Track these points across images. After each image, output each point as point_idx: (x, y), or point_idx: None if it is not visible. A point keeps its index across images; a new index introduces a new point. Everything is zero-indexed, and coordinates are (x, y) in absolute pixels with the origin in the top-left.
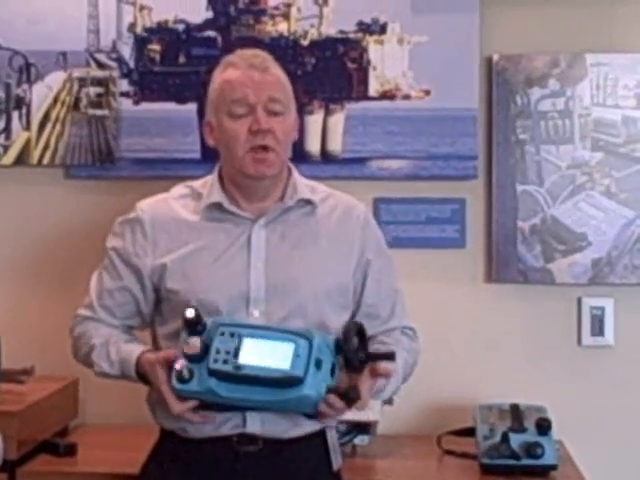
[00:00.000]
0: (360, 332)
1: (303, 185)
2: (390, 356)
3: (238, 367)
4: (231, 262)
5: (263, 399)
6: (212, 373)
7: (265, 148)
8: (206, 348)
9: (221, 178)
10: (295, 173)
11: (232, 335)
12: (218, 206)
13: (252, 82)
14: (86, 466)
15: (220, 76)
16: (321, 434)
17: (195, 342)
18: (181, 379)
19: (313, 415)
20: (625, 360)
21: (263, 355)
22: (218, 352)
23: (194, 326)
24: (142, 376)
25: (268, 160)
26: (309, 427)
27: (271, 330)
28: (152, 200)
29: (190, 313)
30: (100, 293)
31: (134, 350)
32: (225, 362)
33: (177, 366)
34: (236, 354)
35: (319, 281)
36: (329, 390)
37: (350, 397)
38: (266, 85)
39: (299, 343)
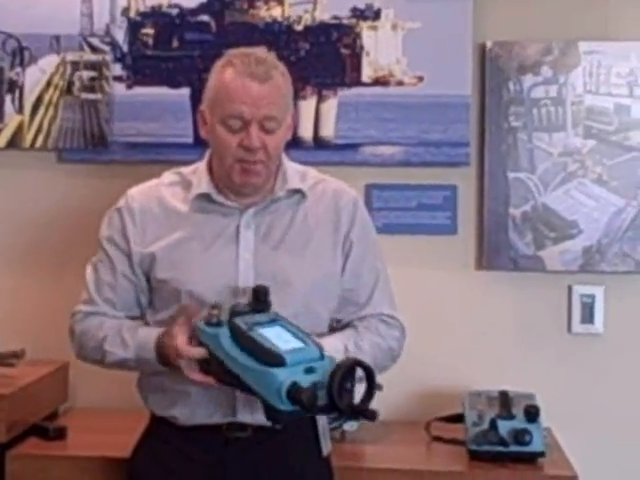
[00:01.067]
0: (350, 373)
1: (294, 173)
2: (371, 416)
3: (250, 328)
4: (219, 253)
5: (244, 363)
6: (230, 325)
7: (255, 161)
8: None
9: (210, 167)
10: (285, 161)
11: (270, 320)
12: (206, 197)
13: (250, 97)
14: (76, 450)
15: (220, 75)
16: (310, 420)
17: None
18: (209, 322)
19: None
20: (614, 348)
21: (276, 337)
22: (246, 322)
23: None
24: (160, 355)
25: (255, 171)
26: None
27: (301, 332)
28: (142, 187)
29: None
30: (99, 286)
31: (152, 331)
32: (245, 324)
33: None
34: (259, 326)
35: (307, 271)
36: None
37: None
38: (263, 102)
39: (309, 349)
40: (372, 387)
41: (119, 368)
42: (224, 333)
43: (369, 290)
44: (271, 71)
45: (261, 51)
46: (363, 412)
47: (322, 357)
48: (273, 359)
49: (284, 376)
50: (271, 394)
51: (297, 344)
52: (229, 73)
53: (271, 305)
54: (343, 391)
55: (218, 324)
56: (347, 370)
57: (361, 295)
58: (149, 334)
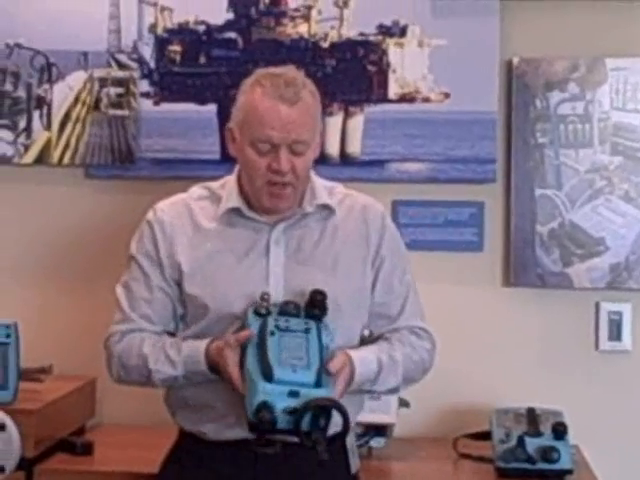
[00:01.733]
0: (321, 409)
1: (322, 188)
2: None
3: (273, 332)
4: (250, 268)
5: (249, 363)
6: (261, 322)
7: (284, 184)
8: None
9: (239, 181)
10: (313, 176)
11: (302, 330)
12: (237, 211)
13: (279, 120)
14: (103, 465)
15: (249, 95)
16: (340, 436)
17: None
18: (257, 312)
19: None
20: None
21: (289, 349)
22: (277, 325)
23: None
24: (212, 368)
25: (284, 195)
26: (330, 430)
27: (321, 352)
28: (171, 200)
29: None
30: (133, 304)
31: (199, 344)
32: (276, 326)
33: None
34: (284, 333)
35: (338, 286)
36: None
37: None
38: (292, 126)
39: (305, 373)
40: (346, 429)
41: (165, 385)
42: (255, 322)
43: (401, 303)
44: (300, 92)
45: (290, 71)
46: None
47: (317, 385)
48: (265, 371)
49: (264, 391)
50: (248, 403)
51: (300, 363)
52: (258, 94)
53: (326, 312)
54: (311, 429)
55: (267, 314)
56: (320, 408)
57: (393, 308)
58: (196, 347)
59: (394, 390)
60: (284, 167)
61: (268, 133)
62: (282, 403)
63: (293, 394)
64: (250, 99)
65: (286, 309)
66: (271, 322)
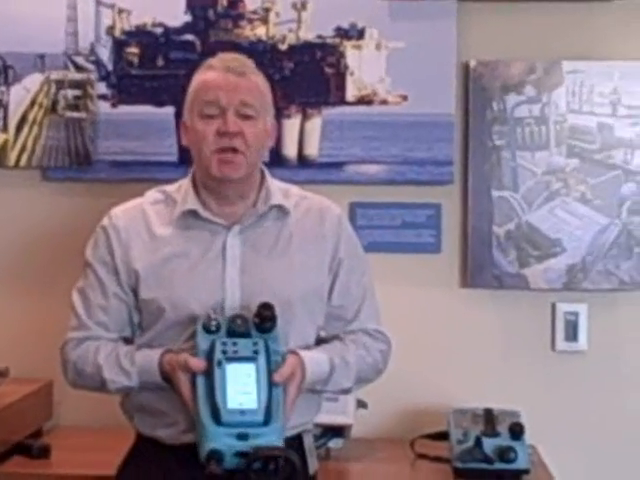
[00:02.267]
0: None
1: (277, 189)
2: None
3: (220, 363)
4: (206, 271)
5: (199, 395)
6: (210, 346)
7: (234, 150)
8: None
9: (195, 184)
10: (268, 177)
11: (248, 357)
12: (193, 213)
13: (226, 85)
14: (60, 468)
15: (198, 77)
16: (297, 438)
17: None
18: (206, 327)
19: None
20: (598, 365)
21: (236, 383)
22: (225, 351)
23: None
24: (165, 379)
25: (234, 162)
26: (287, 431)
27: (268, 379)
28: (126, 206)
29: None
30: (89, 310)
31: (152, 356)
32: (223, 352)
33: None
34: (233, 362)
35: (294, 288)
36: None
37: None
38: (240, 89)
39: (254, 412)
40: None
41: (120, 393)
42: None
43: (357, 306)
44: (247, 68)
45: (238, 55)
46: None
47: (266, 423)
48: (213, 412)
49: (213, 437)
50: (199, 443)
51: (248, 400)
52: (207, 73)
53: (275, 324)
54: (259, 471)
55: (216, 330)
56: (268, 458)
57: (349, 311)
58: (150, 358)
59: (347, 391)
60: (232, 127)
61: (215, 94)
62: (231, 448)
63: (242, 437)
64: (199, 78)
65: (234, 327)
66: (219, 348)
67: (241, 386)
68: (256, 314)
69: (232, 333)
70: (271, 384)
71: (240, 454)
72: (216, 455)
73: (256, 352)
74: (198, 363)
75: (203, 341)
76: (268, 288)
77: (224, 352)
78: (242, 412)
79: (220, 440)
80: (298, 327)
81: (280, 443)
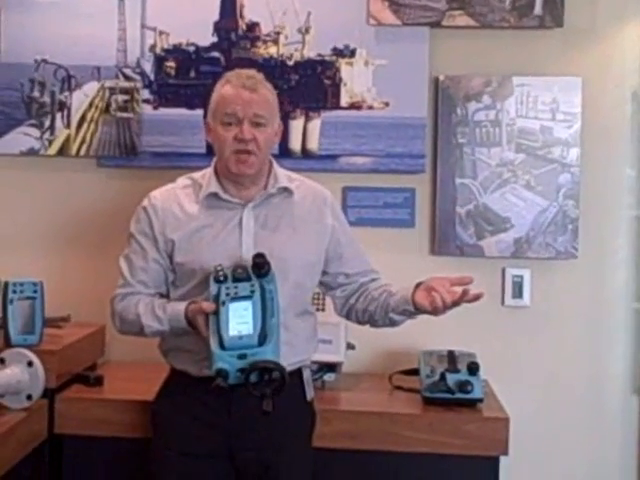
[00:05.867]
0: (264, 369)
1: (283, 175)
2: (265, 408)
3: (224, 302)
4: (227, 239)
5: (210, 329)
6: (217, 290)
7: (248, 152)
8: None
9: (216, 172)
10: (275, 165)
11: (247, 295)
12: (215, 195)
13: (242, 100)
14: (111, 394)
15: (219, 89)
16: (298, 371)
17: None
18: (216, 278)
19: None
20: (538, 317)
21: (237, 316)
22: (228, 293)
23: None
24: (190, 323)
25: (248, 162)
26: (289, 366)
27: (265, 311)
28: (161, 190)
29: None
30: (132, 272)
31: (180, 307)
32: (227, 294)
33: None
34: (234, 301)
35: (298, 250)
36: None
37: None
38: (253, 103)
39: (250, 336)
40: (283, 383)
41: (154, 336)
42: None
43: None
44: (259, 84)
45: (252, 71)
46: (262, 400)
47: (261, 344)
48: (219, 340)
49: (219, 358)
50: (209, 363)
51: (246, 328)
52: (225, 87)
53: (269, 268)
54: (257, 382)
55: (224, 280)
56: (263, 369)
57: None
58: (178, 309)
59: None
60: (247, 135)
61: (233, 108)
62: (233, 366)
63: (241, 357)
64: (219, 91)
65: (236, 275)
66: (223, 291)
67: (240, 318)
68: (253, 264)
69: (236, 280)
70: (264, 318)
71: (241, 370)
72: (222, 373)
73: (252, 292)
74: (208, 305)
75: (213, 288)
76: (277, 249)
77: (227, 294)
78: (240, 337)
79: (224, 361)
80: (299, 283)
81: (275, 359)
